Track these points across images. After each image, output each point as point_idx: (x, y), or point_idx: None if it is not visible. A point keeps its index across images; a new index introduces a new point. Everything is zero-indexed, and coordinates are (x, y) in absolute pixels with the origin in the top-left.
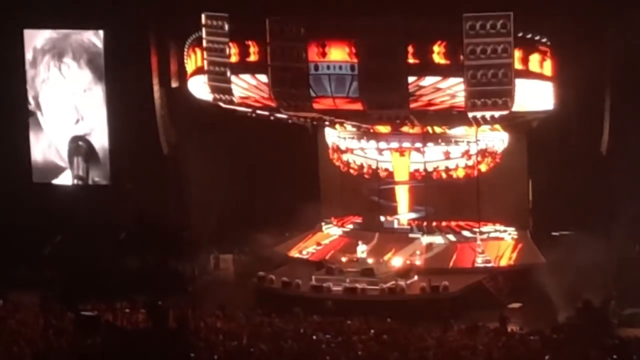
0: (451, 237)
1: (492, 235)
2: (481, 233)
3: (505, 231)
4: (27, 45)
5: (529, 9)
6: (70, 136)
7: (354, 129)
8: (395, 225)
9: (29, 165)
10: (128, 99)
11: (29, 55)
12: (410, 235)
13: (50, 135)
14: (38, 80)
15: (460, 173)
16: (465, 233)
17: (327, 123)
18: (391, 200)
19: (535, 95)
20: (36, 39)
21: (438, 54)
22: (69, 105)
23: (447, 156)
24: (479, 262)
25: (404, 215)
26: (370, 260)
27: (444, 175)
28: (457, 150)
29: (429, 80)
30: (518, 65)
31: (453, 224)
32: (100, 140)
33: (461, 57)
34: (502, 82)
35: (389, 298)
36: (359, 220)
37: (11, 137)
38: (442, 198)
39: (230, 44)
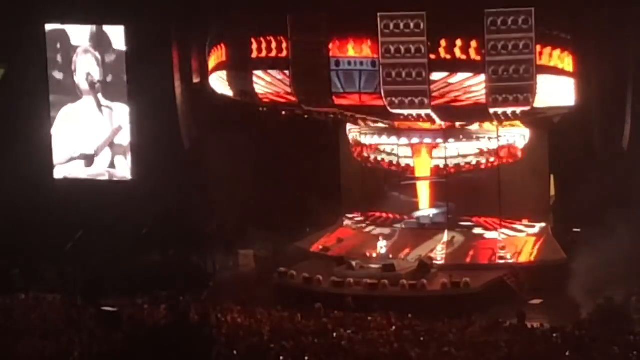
0: (472, 233)
1: (513, 231)
2: (502, 229)
3: (526, 227)
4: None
5: (551, 4)
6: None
7: (375, 125)
8: (416, 221)
9: (50, 161)
10: (150, 94)
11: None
12: (431, 231)
13: (71, 134)
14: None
15: (482, 169)
16: (487, 229)
17: (348, 119)
18: (412, 196)
19: (556, 91)
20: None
21: (459, 50)
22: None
23: (469, 152)
24: (500, 258)
25: (425, 210)
26: (391, 256)
27: (465, 171)
28: (479, 146)
29: (450, 77)
30: (539, 61)
31: (474, 220)
32: (122, 135)
33: (483, 53)
34: (523, 78)
35: (410, 294)
36: (380, 215)
37: (33, 134)
38: (463, 194)
39: (252, 40)
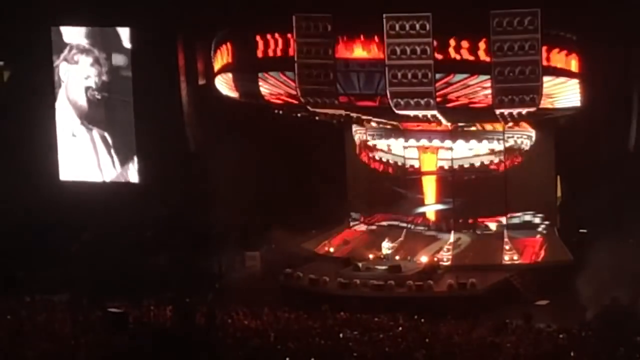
0: (478, 234)
1: (519, 232)
2: (509, 230)
3: (532, 228)
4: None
5: (557, 5)
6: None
7: (382, 126)
8: (422, 222)
9: (57, 163)
10: (155, 96)
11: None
12: (437, 232)
13: (76, 135)
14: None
15: (488, 170)
16: (493, 230)
17: (354, 120)
18: (418, 198)
19: (562, 92)
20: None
21: (466, 51)
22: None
23: (475, 153)
24: (506, 259)
25: (431, 206)
26: (397, 257)
27: (471, 172)
28: (485, 147)
29: (457, 78)
30: (545, 62)
31: (480, 220)
32: (127, 138)
33: (488, 54)
34: (529, 79)
35: (416, 295)
36: (386, 216)
37: (39, 135)
38: (469, 195)
39: (258, 41)
